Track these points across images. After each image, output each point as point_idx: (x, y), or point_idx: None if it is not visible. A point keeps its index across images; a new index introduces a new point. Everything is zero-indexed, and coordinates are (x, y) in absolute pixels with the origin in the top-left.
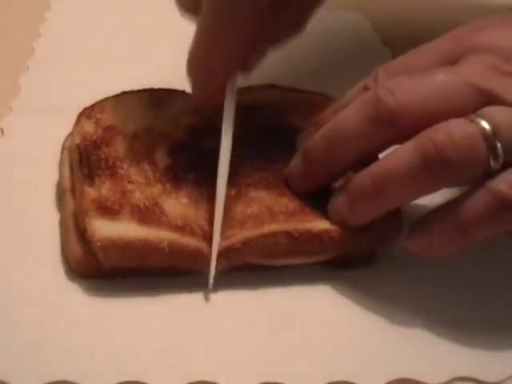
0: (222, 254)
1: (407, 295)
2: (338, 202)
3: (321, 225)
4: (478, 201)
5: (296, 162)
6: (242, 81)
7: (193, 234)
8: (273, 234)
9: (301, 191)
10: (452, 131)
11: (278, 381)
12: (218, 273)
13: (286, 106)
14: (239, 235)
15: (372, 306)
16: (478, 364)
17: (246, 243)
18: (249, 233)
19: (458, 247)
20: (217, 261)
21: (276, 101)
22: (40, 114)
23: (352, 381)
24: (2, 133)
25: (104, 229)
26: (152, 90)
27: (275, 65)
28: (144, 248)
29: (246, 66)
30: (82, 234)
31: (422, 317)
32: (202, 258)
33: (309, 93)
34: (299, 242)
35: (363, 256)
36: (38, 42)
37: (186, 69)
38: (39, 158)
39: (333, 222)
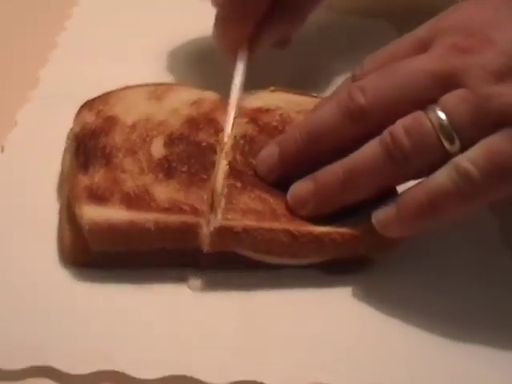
0: (220, 232)
1: (399, 302)
2: (303, 187)
3: (322, 228)
4: (444, 176)
5: (270, 151)
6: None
7: (181, 212)
8: (274, 231)
9: (270, 180)
10: (406, 124)
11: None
12: (208, 254)
13: (294, 108)
14: (241, 221)
15: (361, 311)
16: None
17: (247, 231)
18: (251, 222)
19: (426, 222)
20: (211, 236)
21: (285, 103)
22: (54, 105)
23: (320, 381)
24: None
25: (92, 212)
26: (155, 83)
27: (303, 72)
28: (130, 230)
29: (252, 47)
30: (73, 220)
31: (409, 325)
32: (191, 233)
33: (319, 97)
34: (299, 242)
35: (360, 261)
36: (62, 36)
37: (212, 38)
38: (49, 147)
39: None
